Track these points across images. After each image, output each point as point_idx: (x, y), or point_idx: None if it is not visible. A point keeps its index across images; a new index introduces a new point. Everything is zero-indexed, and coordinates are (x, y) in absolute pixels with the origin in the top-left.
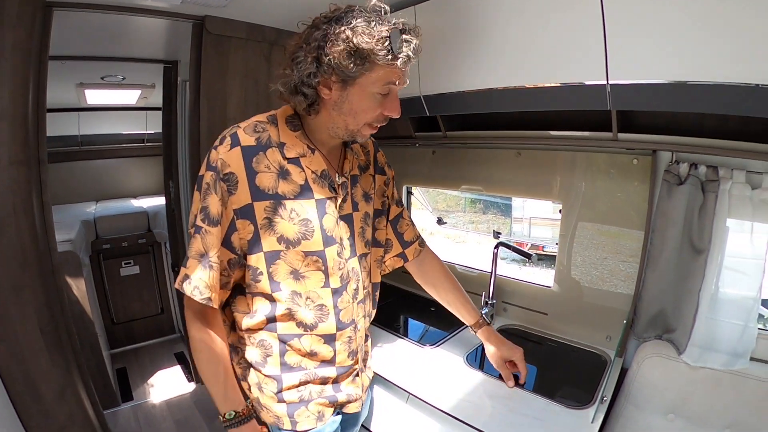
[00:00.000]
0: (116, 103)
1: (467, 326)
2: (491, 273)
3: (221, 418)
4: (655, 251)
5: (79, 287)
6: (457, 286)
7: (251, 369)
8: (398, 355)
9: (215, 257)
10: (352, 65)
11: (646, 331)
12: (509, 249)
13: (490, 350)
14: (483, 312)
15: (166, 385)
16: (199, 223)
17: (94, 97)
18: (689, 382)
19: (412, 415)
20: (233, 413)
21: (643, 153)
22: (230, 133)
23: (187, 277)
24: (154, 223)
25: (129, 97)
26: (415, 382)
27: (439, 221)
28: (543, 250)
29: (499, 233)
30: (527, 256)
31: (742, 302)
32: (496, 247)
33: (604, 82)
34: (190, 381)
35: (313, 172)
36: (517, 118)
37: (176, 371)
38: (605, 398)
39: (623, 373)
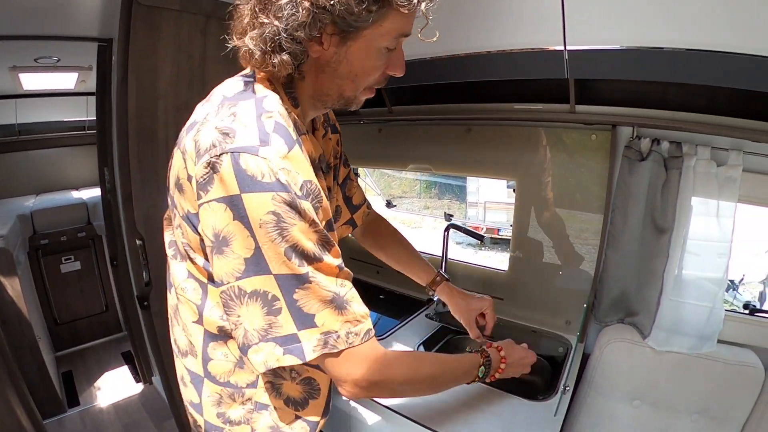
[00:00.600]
0: (53, 87)
1: (420, 311)
2: (442, 256)
3: (480, 377)
4: (616, 231)
5: (13, 287)
6: (407, 243)
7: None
8: None
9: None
10: (364, 12)
11: (607, 315)
12: (461, 231)
13: (457, 305)
14: (434, 299)
15: (114, 387)
16: (300, 269)
17: (30, 81)
18: (655, 367)
19: (361, 416)
20: (481, 367)
21: (602, 128)
22: (269, 126)
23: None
24: (93, 215)
25: (66, 80)
26: None
27: (388, 204)
28: (498, 234)
29: (451, 215)
30: (479, 238)
31: (708, 283)
32: (447, 229)
33: (562, 48)
34: (138, 381)
35: (312, 161)
36: (467, 92)
37: (123, 372)
38: (567, 388)
39: (585, 358)
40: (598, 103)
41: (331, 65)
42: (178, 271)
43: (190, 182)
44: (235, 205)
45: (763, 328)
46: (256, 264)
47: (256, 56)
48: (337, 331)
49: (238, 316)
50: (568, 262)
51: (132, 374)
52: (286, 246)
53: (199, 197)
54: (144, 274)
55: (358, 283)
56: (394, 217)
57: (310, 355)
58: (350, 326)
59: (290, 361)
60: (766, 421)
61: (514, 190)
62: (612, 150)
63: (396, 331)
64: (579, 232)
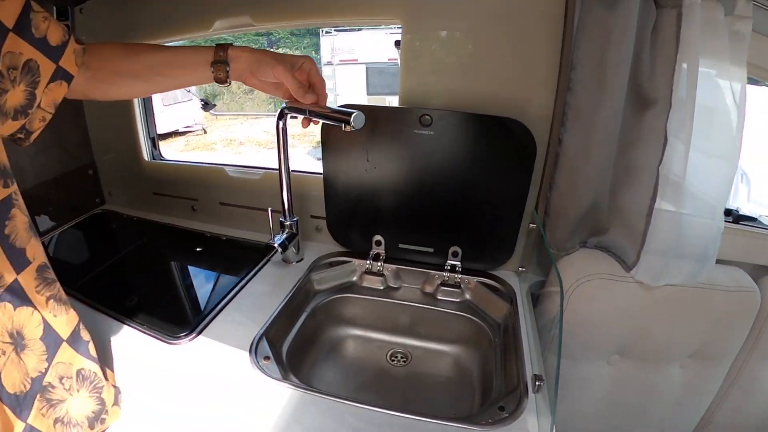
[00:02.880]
0: None
1: (266, 260)
2: (280, 169)
3: None
4: (578, 103)
5: None
6: (160, 47)
7: None
8: (126, 375)
9: None
10: None
11: (569, 239)
12: (304, 115)
13: (268, 71)
14: (278, 242)
15: None
16: None
17: None
18: (644, 309)
19: None
20: None
21: None
22: None
23: None
24: None
25: None
26: None
27: (206, 105)
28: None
29: (206, 102)
30: (343, 121)
31: (713, 187)
32: (281, 116)
33: None
34: None
35: None
36: None
37: None
38: (540, 384)
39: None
40: None
41: None
42: None
43: None
44: None
45: (750, 239)
46: None
47: None
48: None
49: None
50: None
51: None
52: None
53: None
54: None
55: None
56: (234, 138)
57: None
58: None
59: None
60: (757, 352)
61: (397, 43)
62: None
63: (236, 296)
64: (512, 110)
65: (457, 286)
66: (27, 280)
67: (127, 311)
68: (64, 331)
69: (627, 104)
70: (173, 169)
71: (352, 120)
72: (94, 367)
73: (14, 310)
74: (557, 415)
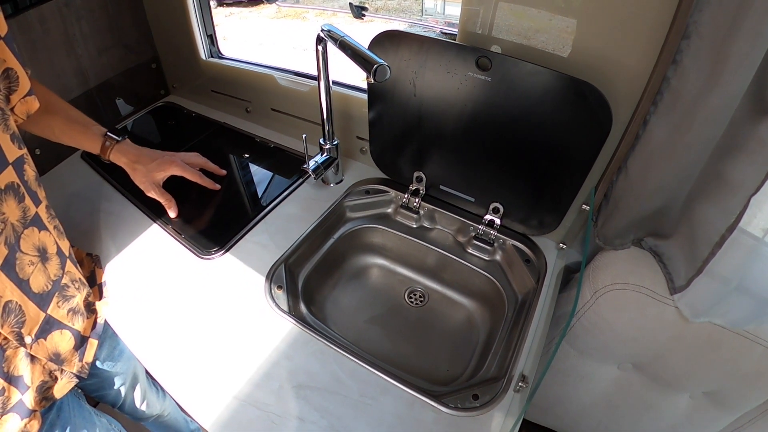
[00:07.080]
0: None
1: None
2: (320, 96)
3: None
4: (683, 83)
5: None
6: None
7: None
8: (149, 285)
9: None
10: None
11: (622, 235)
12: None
13: (136, 176)
14: (312, 167)
15: None
16: None
17: None
18: (672, 339)
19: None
20: None
21: None
22: None
23: None
24: None
25: None
26: (167, 359)
27: (359, 11)
28: (438, 24)
29: (362, 6)
30: (366, 70)
31: None
32: (320, 41)
33: None
34: None
35: None
36: None
37: None
38: (521, 386)
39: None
40: None
41: None
42: None
43: None
44: None
45: None
46: None
47: None
48: None
49: None
50: None
51: None
52: None
53: None
54: None
55: (219, 131)
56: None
57: None
58: None
59: None
60: None
61: None
62: None
63: (268, 215)
64: (592, 72)
65: (490, 243)
66: (42, 213)
67: (169, 218)
68: (67, 251)
69: (742, 103)
70: (228, 70)
71: (372, 73)
72: (80, 276)
73: (39, 232)
74: (546, 394)
